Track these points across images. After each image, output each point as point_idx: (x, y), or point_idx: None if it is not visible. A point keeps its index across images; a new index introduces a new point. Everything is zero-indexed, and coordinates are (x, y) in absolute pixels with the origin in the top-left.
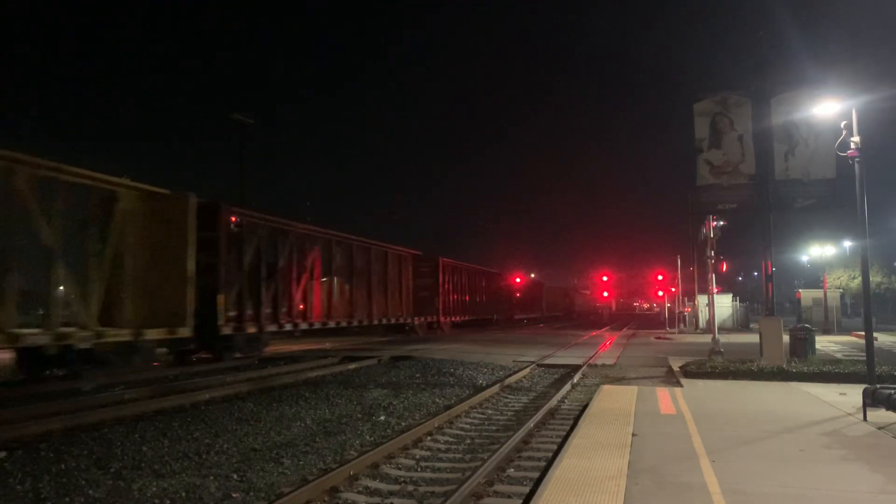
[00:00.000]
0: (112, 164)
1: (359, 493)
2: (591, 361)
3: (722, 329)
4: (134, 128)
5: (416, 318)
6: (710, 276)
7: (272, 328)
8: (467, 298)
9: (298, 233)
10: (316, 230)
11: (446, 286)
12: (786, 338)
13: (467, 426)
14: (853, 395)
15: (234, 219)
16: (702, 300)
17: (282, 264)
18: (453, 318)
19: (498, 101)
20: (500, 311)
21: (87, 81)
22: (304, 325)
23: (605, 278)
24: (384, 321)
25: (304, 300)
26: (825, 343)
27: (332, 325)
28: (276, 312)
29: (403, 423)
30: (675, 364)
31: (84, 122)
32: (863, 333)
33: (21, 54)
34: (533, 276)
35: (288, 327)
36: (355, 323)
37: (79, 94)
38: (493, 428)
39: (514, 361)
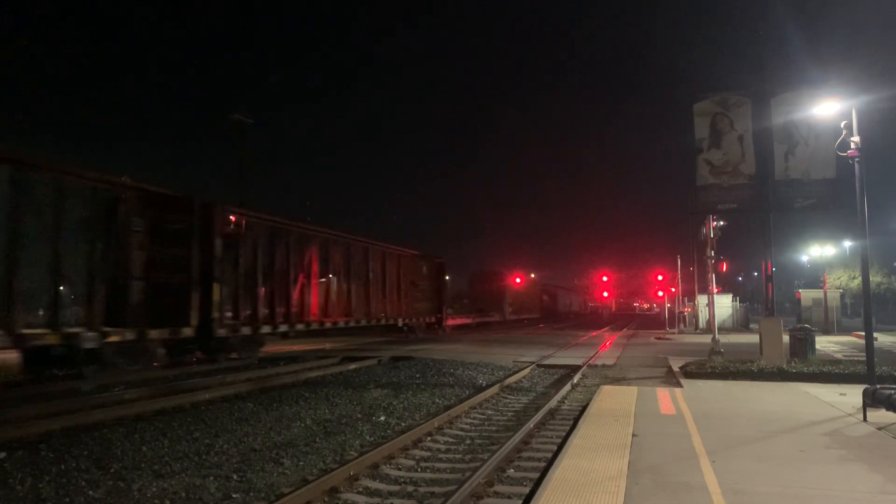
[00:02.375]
0: (113, 163)
1: (359, 493)
2: (591, 362)
3: (722, 329)
4: (134, 127)
5: (118, 332)
6: (710, 276)
7: None
8: (345, 293)
9: None
10: None
11: (265, 268)
12: (786, 338)
13: (467, 426)
14: (853, 395)
15: None
16: (702, 300)
17: None
18: (292, 324)
19: (497, 101)
20: (421, 312)
21: (88, 81)
22: None
23: (604, 278)
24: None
25: None
26: (825, 343)
27: None
28: None
29: (403, 424)
30: (675, 364)
31: (85, 121)
32: (863, 333)
33: (23, 54)
34: (525, 273)
35: None
36: None
37: (79, 93)
38: (493, 428)
39: (514, 362)
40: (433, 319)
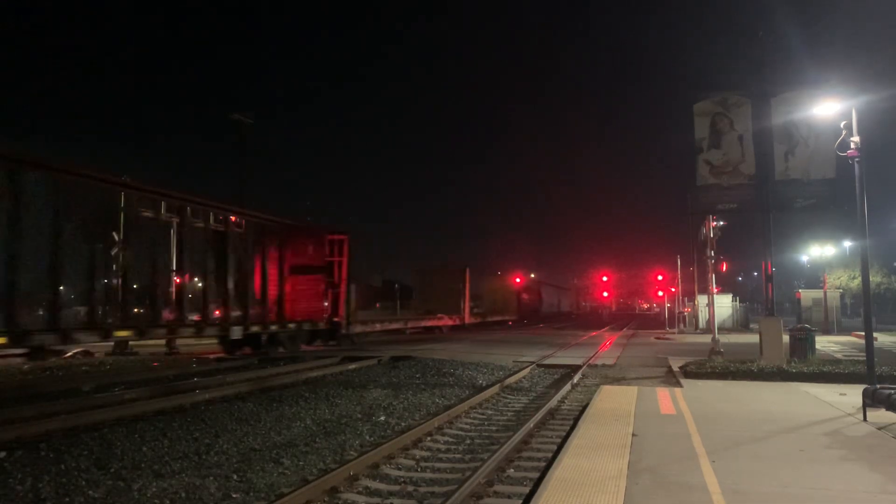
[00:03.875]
0: (113, 163)
1: (359, 493)
2: (591, 362)
3: (722, 329)
4: (135, 127)
5: None
6: (710, 276)
7: None
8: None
9: None
10: None
11: None
12: (786, 338)
13: (467, 426)
14: (853, 395)
15: None
16: (702, 300)
17: None
18: None
19: (497, 102)
20: (306, 313)
21: (89, 80)
22: None
23: (604, 278)
24: None
25: None
26: (825, 343)
27: None
28: None
29: (403, 424)
30: (675, 364)
31: (84, 120)
32: (863, 333)
33: (22, 53)
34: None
35: None
36: None
37: (79, 92)
38: (493, 428)
39: (514, 362)
40: (327, 324)
